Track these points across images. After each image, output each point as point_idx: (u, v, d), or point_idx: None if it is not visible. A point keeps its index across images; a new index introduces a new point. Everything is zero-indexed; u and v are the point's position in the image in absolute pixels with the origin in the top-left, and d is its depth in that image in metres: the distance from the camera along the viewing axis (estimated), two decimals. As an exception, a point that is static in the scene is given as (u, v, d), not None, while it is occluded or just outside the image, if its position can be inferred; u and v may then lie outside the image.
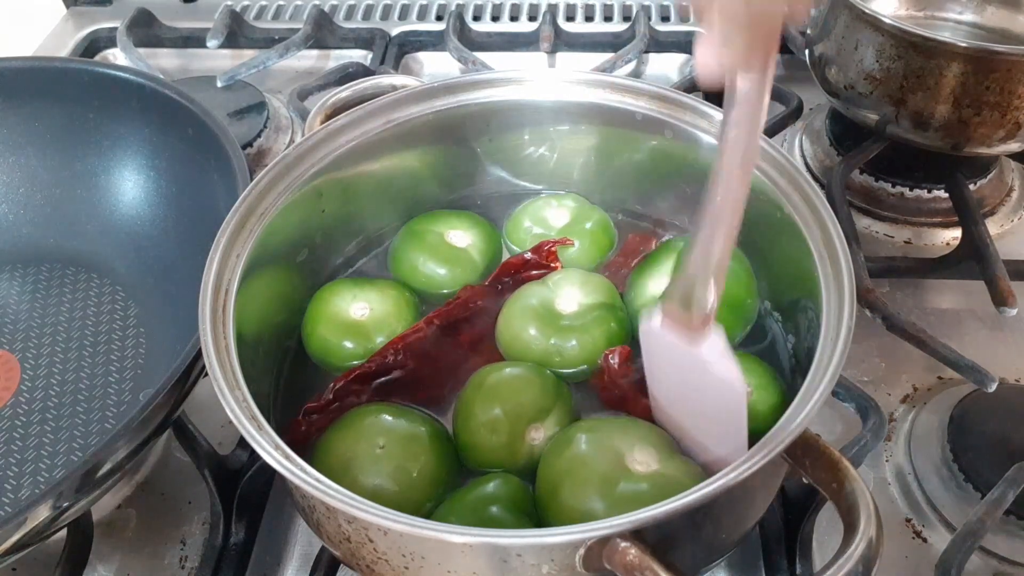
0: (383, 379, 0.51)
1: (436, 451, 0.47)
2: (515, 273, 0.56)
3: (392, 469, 0.45)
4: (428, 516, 0.44)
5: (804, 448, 0.38)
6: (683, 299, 0.41)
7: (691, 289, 0.40)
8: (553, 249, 0.56)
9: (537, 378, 0.49)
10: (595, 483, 0.42)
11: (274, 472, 0.38)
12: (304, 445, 0.48)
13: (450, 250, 0.56)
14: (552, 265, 0.56)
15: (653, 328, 0.43)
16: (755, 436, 0.38)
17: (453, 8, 0.92)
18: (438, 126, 0.56)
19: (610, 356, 0.50)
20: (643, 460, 0.43)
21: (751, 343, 0.53)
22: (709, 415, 0.43)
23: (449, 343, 0.53)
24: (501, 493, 0.44)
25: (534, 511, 0.45)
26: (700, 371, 0.42)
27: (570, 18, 0.95)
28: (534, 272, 0.56)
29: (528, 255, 0.56)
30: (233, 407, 0.39)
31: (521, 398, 0.47)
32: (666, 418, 0.47)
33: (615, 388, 0.49)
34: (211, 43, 0.86)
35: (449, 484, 0.47)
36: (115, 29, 0.91)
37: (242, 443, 0.55)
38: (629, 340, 0.53)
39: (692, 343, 0.41)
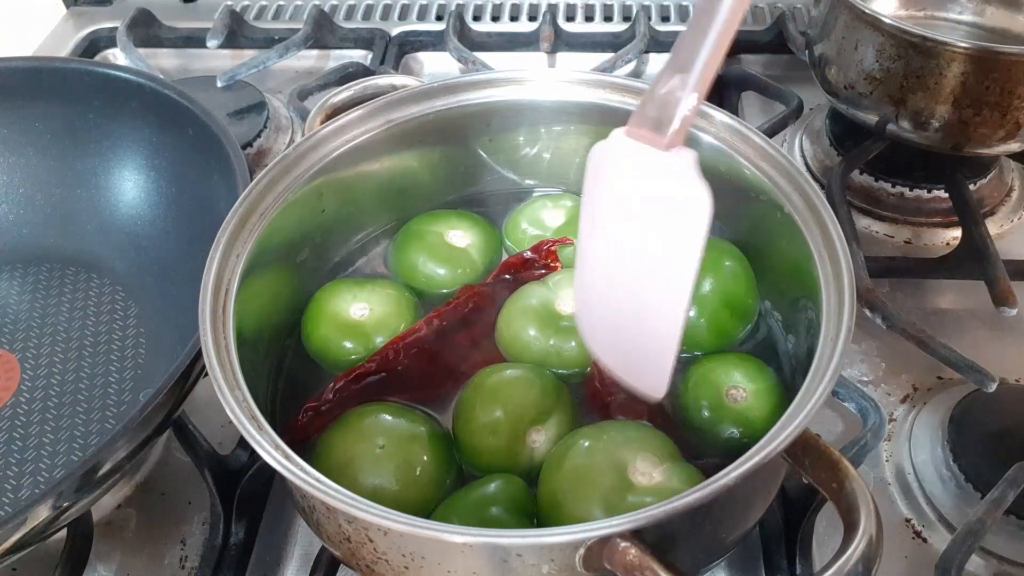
0: (383, 378, 0.51)
1: (436, 451, 0.47)
2: (515, 272, 0.56)
3: (392, 469, 0.45)
4: (428, 516, 0.44)
5: (804, 448, 0.38)
6: (655, 117, 0.36)
7: (666, 104, 0.36)
8: (553, 249, 0.56)
9: (539, 380, 0.49)
10: (598, 498, 0.42)
11: (274, 472, 0.38)
12: (304, 444, 0.48)
13: (450, 250, 0.56)
14: (552, 264, 0.56)
15: (610, 148, 0.38)
16: (755, 437, 0.38)
17: (453, 8, 0.92)
18: (438, 126, 0.56)
19: None
20: (646, 471, 0.42)
21: (751, 343, 0.53)
22: (650, 279, 0.39)
23: (449, 343, 0.53)
24: (502, 494, 0.44)
25: (535, 513, 0.45)
26: (661, 194, 0.37)
27: (570, 18, 0.95)
28: (534, 271, 0.56)
29: (528, 254, 0.56)
30: (233, 407, 0.39)
31: (522, 400, 0.47)
32: (590, 304, 0.42)
33: (608, 391, 0.49)
34: (211, 43, 0.86)
35: (449, 484, 0.47)
36: (115, 29, 0.91)
37: (242, 443, 0.55)
38: (629, 340, 0.53)
39: (654, 157, 0.36)
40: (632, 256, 0.40)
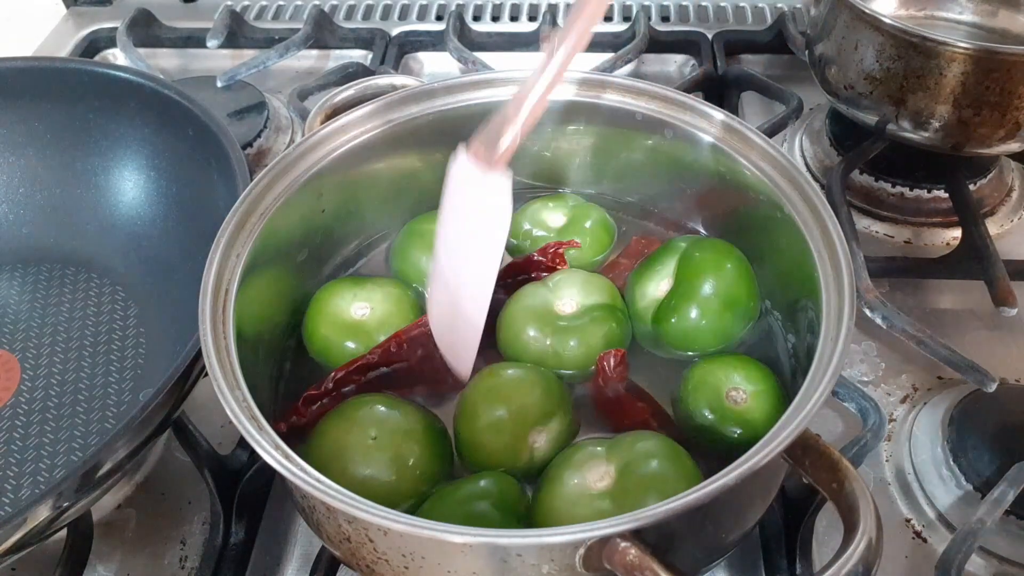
0: (383, 371, 0.51)
1: (429, 444, 0.47)
2: (521, 274, 0.56)
3: (383, 460, 0.45)
4: (417, 508, 0.44)
5: (804, 448, 0.38)
6: (488, 137, 0.45)
7: (498, 129, 0.45)
8: (560, 251, 0.56)
9: (543, 381, 0.48)
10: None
11: (274, 472, 0.38)
12: (302, 432, 0.48)
13: (450, 250, 0.56)
14: (559, 267, 0.56)
15: (459, 157, 0.47)
16: (754, 437, 0.38)
17: (453, 8, 0.92)
18: (438, 126, 0.56)
19: (606, 359, 0.50)
20: None
21: (751, 343, 0.53)
22: (465, 274, 0.48)
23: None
24: (492, 490, 0.44)
25: (525, 513, 0.45)
26: (478, 201, 0.46)
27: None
28: (540, 273, 0.56)
29: (535, 256, 0.56)
30: (233, 407, 0.39)
31: (527, 401, 0.47)
32: (438, 279, 0.50)
33: (610, 391, 0.49)
34: (211, 43, 0.86)
35: (441, 478, 0.47)
36: (115, 29, 0.91)
37: (242, 443, 0.55)
38: (629, 342, 0.53)
39: (482, 174, 0.46)
40: (456, 252, 0.48)
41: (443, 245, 0.49)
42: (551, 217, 0.59)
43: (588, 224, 0.58)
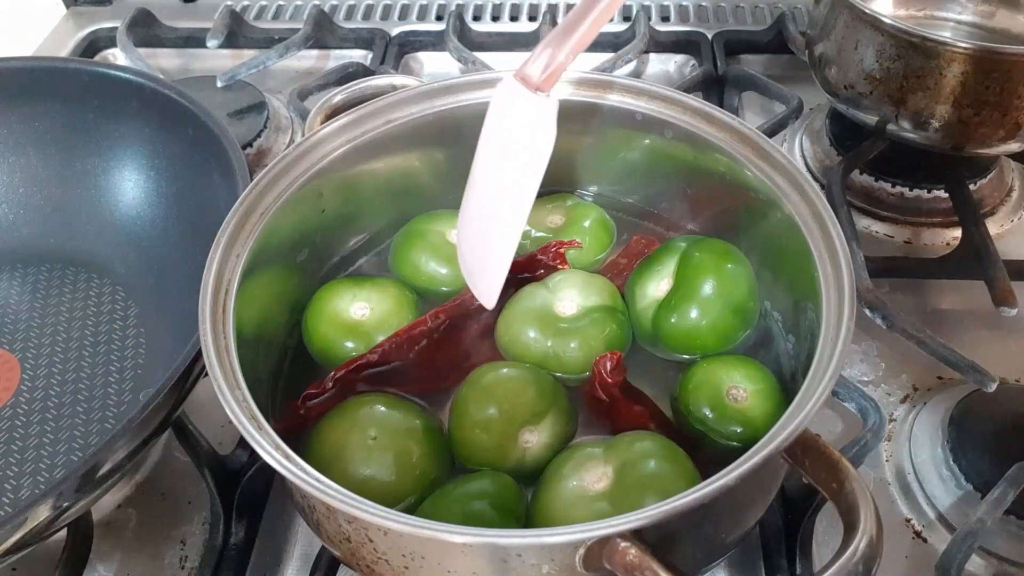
0: (384, 370, 0.51)
1: (428, 444, 0.47)
2: (522, 273, 0.56)
3: (383, 460, 0.45)
4: (416, 508, 0.44)
5: (804, 448, 0.37)
6: (537, 58, 0.44)
7: (549, 51, 0.44)
8: (562, 251, 0.56)
9: (535, 380, 0.49)
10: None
11: (274, 472, 0.38)
12: (301, 431, 0.48)
13: (451, 249, 0.56)
14: (560, 266, 0.56)
15: (506, 81, 0.46)
16: (754, 436, 0.38)
17: (453, 8, 0.92)
18: (438, 126, 0.56)
19: (602, 362, 0.49)
20: None
21: (751, 343, 0.53)
22: (499, 199, 0.47)
23: (452, 339, 0.53)
24: (489, 490, 0.44)
25: (522, 512, 0.45)
26: (522, 122, 0.45)
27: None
28: (541, 272, 0.56)
29: (536, 255, 0.56)
30: (233, 407, 0.39)
31: (517, 399, 0.47)
32: (470, 196, 0.49)
33: (607, 394, 0.49)
34: (211, 43, 0.86)
35: (440, 478, 0.47)
36: (115, 29, 0.91)
37: (242, 443, 0.55)
38: (629, 343, 0.53)
39: (528, 95, 0.45)
40: (493, 175, 0.48)
41: (480, 167, 0.48)
42: (550, 217, 0.59)
43: (587, 224, 0.58)
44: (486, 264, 0.49)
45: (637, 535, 0.34)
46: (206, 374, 0.41)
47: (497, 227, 0.47)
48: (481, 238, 0.49)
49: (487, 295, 0.49)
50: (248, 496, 0.52)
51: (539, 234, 0.58)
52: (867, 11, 0.64)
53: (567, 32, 0.44)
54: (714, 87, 0.85)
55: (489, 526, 0.40)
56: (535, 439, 0.47)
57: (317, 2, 0.97)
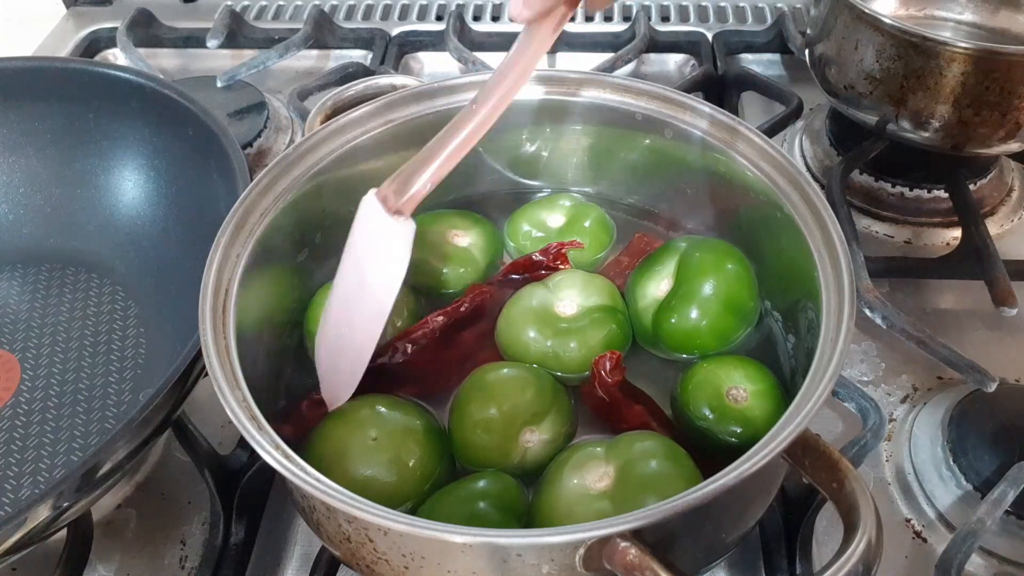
0: (387, 371, 0.51)
1: (429, 445, 0.47)
2: (523, 273, 0.56)
3: (384, 461, 0.45)
4: (417, 508, 0.44)
5: (804, 448, 0.38)
6: (398, 182, 0.45)
7: (409, 175, 0.44)
8: (563, 251, 0.56)
9: (535, 380, 0.49)
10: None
11: (274, 472, 0.38)
12: (306, 432, 0.48)
13: (452, 249, 0.57)
14: (561, 266, 0.56)
15: (368, 199, 0.46)
16: (755, 436, 0.38)
17: (453, 8, 0.92)
18: (438, 126, 0.55)
19: (601, 361, 0.49)
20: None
21: (751, 343, 0.53)
22: (357, 312, 0.48)
23: (454, 340, 0.53)
24: (491, 490, 0.44)
25: (524, 512, 0.45)
26: (379, 243, 0.46)
27: (570, 18, 0.95)
28: (542, 272, 0.56)
29: (537, 256, 0.56)
30: (233, 407, 0.39)
31: (517, 400, 0.47)
32: (331, 315, 0.49)
33: (606, 394, 0.49)
34: (211, 43, 0.86)
35: (441, 479, 0.47)
36: (115, 29, 0.91)
37: (242, 443, 0.55)
38: (629, 343, 0.53)
39: (386, 218, 0.45)
40: (353, 286, 0.48)
41: (340, 277, 0.48)
42: (550, 218, 0.59)
43: (587, 223, 0.58)
44: (339, 369, 0.49)
45: (637, 535, 0.34)
46: (206, 374, 0.41)
47: (349, 339, 0.48)
48: (337, 345, 0.49)
49: (333, 398, 0.49)
50: (248, 496, 0.52)
51: (539, 234, 0.58)
52: (867, 11, 0.64)
53: (425, 161, 0.44)
54: (714, 87, 0.85)
55: (491, 526, 0.40)
56: (536, 439, 0.47)
57: (317, 2, 0.97)
